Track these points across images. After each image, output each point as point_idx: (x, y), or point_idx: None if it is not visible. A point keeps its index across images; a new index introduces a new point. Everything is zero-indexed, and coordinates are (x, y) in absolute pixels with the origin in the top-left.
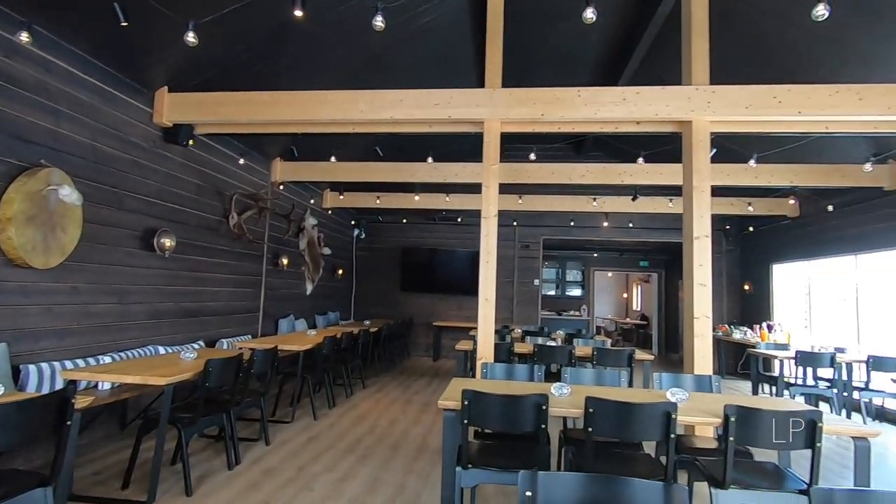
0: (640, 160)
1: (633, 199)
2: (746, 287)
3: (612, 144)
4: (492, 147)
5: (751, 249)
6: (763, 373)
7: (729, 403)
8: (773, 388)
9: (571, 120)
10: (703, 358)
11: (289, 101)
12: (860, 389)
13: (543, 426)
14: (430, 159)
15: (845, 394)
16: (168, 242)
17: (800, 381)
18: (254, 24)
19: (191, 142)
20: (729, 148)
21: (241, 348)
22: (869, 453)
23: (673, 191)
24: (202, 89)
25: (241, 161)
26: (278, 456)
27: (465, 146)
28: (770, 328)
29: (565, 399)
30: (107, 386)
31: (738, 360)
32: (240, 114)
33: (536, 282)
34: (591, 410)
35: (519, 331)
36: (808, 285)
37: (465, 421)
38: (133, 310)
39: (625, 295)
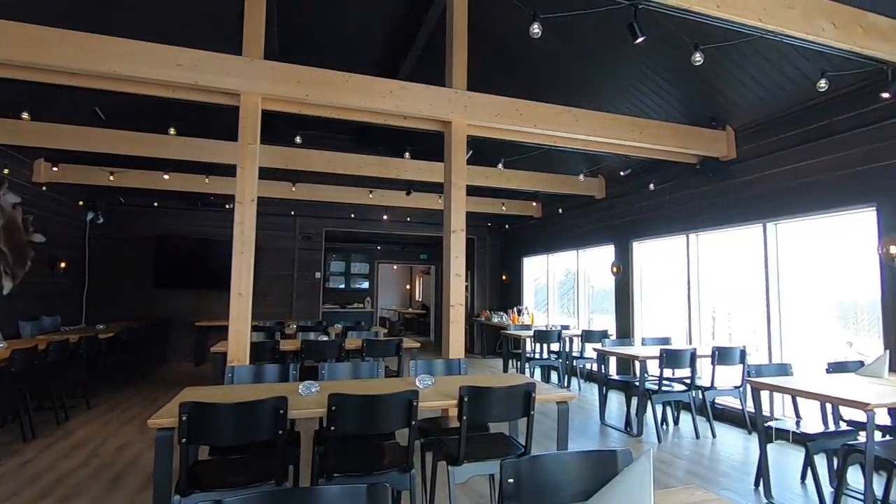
0: (407, 155)
1: (408, 194)
2: (504, 277)
3: (394, 139)
4: (249, 124)
5: (508, 244)
6: (513, 351)
7: (464, 384)
8: (519, 364)
9: (340, 105)
10: (456, 342)
11: None
12: (576, 358)
13: (282, 432)
14: (171, 131)
15: (568, 362)
16: None
17: (538, 356)
18: None
19: None
20: (485, 152)
21: None
22: (567, 415)
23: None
24: None
25: None
26: None
27: (229, 120)
28: (520, 312)
29: (313, 398)
30: None
31: (496, 342)
32: None
33: (318, 274)
34: (333, 408)
35: (294, 326)
36: (548, 274)
37: (184, 440)
38: None
39: (408, 286)
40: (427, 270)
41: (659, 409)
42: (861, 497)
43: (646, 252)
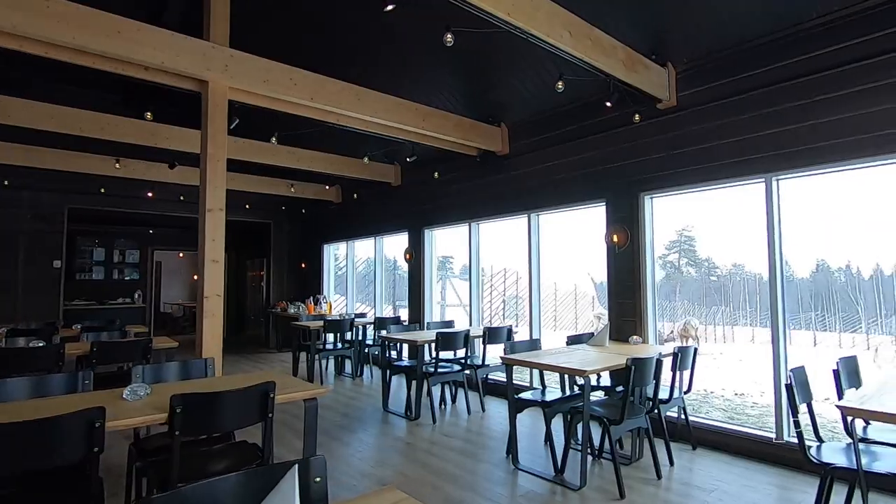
0: (149, 115)
1: (171, 168)
2: (303, 265)
3: (167, 102)
4: None
5: (307, 230)
6: (304, 342)
7: (177, 393)
8: (308, 356)
9: (37, 37)
10: (212, 338)
11: None
12: (369, 346)
13: None
14: None
15: (365, 351)
16: None
17: (332, 346)
18: None
19: None
20: (262, 125)
21: None
22: (316, 412)
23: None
24: None
25: None
26: None
27: None
28: (317, 301)
29: None
30: None
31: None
32: None
33: (57, 263)
34: None
35: (3, 330)
36: (348, 261)
37: None
38: None
39: (195, 277)
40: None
41: (438, 389)
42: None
43: (438, 240)
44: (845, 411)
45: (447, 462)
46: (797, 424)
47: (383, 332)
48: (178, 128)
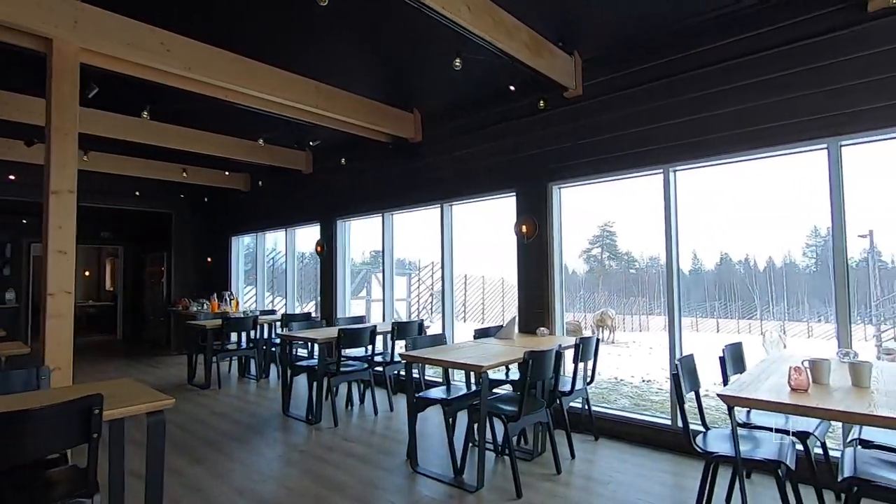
0: None
1: (29, 145)
2: (209, 259)
3: (33, 70)
4: None
5: (213, 221)
6: (202, 343)
7: None
8: (205, 357)
9: None
10: (60, 344)
11: None
12: (274, 345)
13: None
14: None
15: (272, 349)
16: None
17: (236, 346)
18: None
19: None
20: (143, 101)
21: None
22: (162, 429)
23: (123, 147)
24: None
25: None
26: None
27: None
28: (222, 298)
29: None
30: None
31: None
32: None
33: None
34: None
35: None
36: (255, 254)
37: None
38: None
39: (87, 273)
40: (115, 252)
41: (344, 389)
42: (488, 447)
43: (352, 231)
44: (724, 399)
45: (341, 470)
46: (683, 412)
47: (283, 330)
48: (42, 99)
